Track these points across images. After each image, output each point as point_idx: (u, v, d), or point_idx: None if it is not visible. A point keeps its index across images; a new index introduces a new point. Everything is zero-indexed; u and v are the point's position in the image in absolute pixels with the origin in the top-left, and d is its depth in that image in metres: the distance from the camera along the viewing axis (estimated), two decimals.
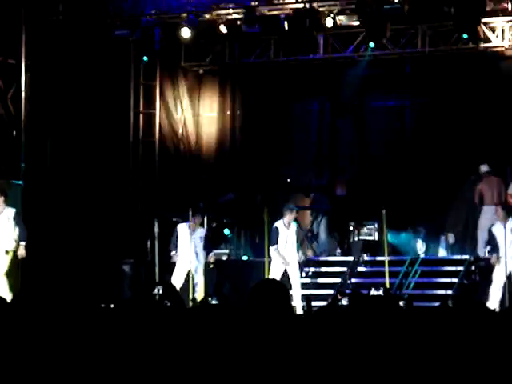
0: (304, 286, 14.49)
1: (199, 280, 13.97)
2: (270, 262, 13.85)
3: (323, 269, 14.92)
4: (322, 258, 15.40)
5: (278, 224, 13.88)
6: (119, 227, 16.07)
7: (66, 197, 15.48)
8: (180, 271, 13.96)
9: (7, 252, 12.64)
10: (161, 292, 8.21)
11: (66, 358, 3.60)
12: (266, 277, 13.60)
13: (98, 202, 15.99)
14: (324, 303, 11.65)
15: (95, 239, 15.38)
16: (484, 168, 15.28)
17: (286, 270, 13.80)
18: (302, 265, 14.95)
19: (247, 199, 16.92)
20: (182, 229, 14.10)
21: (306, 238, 15.87)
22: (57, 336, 3.71)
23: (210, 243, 14.33)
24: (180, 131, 17.65)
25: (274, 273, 13.74)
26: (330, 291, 13.94)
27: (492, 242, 13.32)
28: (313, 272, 14.93)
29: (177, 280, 13.71)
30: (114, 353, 3.60)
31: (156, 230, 14.45)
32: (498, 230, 13.31)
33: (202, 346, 3.61)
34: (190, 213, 13.90)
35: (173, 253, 14.02)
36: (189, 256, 13.82)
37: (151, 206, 16.41)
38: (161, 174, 17.19)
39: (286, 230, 13.86)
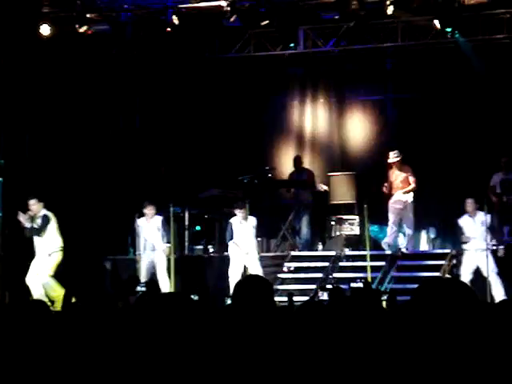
0: (286, 280, 14.49)
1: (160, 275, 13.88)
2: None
3: (305, 263, 14.91)
4: (304, 253, 15.38)
5: (233, 220, 13.96)
6: (103, 222, 16.04)
7: (48, 193, 15.39)
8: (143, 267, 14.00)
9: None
10: (143, 289, 8.20)
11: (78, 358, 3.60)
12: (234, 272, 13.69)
13: (80, 198, 15.96)
14: (306, 298, 11.64)
15: (77, 235, 15.32)
16: None
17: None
18: (284, 260, 14.96)
19: (228, 194, 16.89)
20: (142, 222, 14.16)
21: (287, 233, 15.86)
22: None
23: (166, 233, 14.12)
24: None
25: (234, 268, 13.76)
26: (312, 286, 13.93)
27: (460, 234, 13.53)
28: (294, 267, 14.92)
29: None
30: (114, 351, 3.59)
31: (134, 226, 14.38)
32: (465, 222, 13.49)
33: (185, 343, 3.58)
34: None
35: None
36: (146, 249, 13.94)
37: (135, 202, 16.39)
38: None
39: (241, 225, 13.88)
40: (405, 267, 14.41)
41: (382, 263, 14.36)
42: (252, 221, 14.05)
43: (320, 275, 14.41)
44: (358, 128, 17.41)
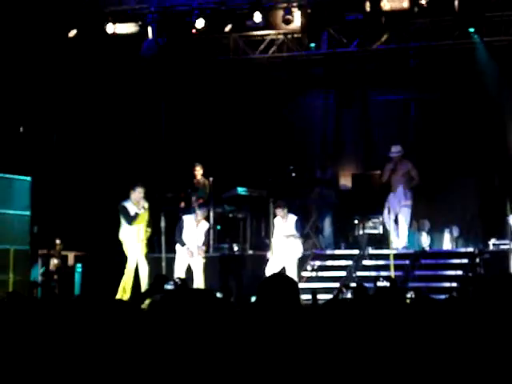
0: (309, 279, 14.57)
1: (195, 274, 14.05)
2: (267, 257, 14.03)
3: (328, 262, 14.98)
4: (327, 252, 15.46)
5: (276, 220, 14.02)
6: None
7: (75, 191, 15.64)
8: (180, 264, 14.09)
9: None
10: (171, 287, 8.30)
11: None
12: (270, 271, 13.69)
13: (104, 196, 16.12)
14: (329, 296, 11.73)
15: (103, 235, 15.51)
16: None
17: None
18: (308, 258, 15.04)
19: (253, 194, 17.03)
20: (188, 221, 14.22)
21: (310, 232, 15.94)
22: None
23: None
24: None
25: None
26: (336, 284, 14.01)
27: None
28: (318, 265, 15.00)
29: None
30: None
31: (163, 224, 14.49)
32: None
33: (206, 343, 3.65)
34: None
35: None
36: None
37: (157, 201, 16.50)
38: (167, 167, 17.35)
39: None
40: (428, 266, 14.44)
41: (406, 262, 14.42)
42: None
43: (343, 274, 14.48)
44: (382, 128, 17.46)
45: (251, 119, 17.71)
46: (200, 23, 15.87)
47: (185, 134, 17.68)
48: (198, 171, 16.23)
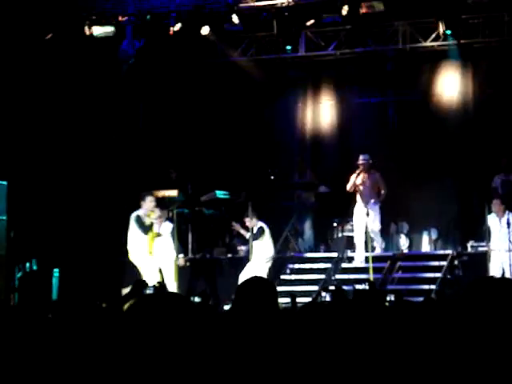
0: (288, 282, 14.57)
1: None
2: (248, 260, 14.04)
3: (307, 265, 14.99)
4: (307, 255, 15.46)
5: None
6: (108, 225, 16.16)
7: (54, 195, 15.56)
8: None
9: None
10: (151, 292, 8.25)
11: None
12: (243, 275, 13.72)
13: (82, 200, 16.07)
14: (308, 299, 11.73)
15: (88, 237, 15.49)
16: None
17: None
18: (287, 261, 15.04)
19: (232, 197, 17.01)
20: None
21: (289, 235, 15.94)
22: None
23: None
24: None
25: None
26: (315, 287, 14.01)
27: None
28: (297, 268, 15.00)
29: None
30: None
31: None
32: (492, 222, 13.50)
33: (187, 345, 3.63)
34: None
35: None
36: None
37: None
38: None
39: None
40: (406, 268, 14.48)
41: (384, 264, 14.45)
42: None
43: (322, 277, 14.49)
44: (360, 130, 17.48)
45: (230, 121, 17.68)
46: (177, 26, 15.85)
47: (163, 136, 17.63)
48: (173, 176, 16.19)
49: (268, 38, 16.95)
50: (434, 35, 15.99)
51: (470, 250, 14.70)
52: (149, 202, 13.58)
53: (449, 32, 15.45)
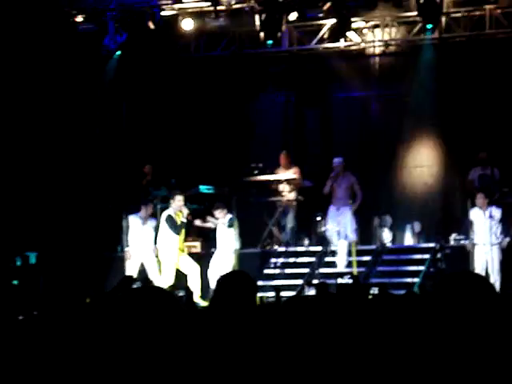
0: (272, 276, 14.61)
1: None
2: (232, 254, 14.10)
3: (291, 259, 15.04)
4: (290, 249, 15.50)
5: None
6: (91, 221, 16.18)
7: (37, 191, 15.55)
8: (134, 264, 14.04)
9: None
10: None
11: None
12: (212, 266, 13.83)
13: (62, 196, 16.07)
14: (293, 293, 11.78)
15: (73, 233, 15.50)
16: None
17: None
18: (271, 255, 15.08)
19: (216, 191, 17.04)
20: (133, 221, 14.18)
21: (273, 229, 15.97)
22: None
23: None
24: None
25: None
26: (299, 281, 14.06)
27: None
28: (281, 262, 15.04)
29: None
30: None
31: (125, 224, 14.45)
32: (475, 216, 13.55)
33: (169, 338, 3.64)
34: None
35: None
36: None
37: (120, 201, 16.52)
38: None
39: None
40: (390, 262, 14.56)
41: (368, 258, 14.52)
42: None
43: (306, 271, 14.54)
44: (343, 124, 17.53)
45: (214, 117, 17.69)
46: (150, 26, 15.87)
47: (147, 132, 17.62)
48: (149, 171, 16.13)
49: (250, 33, 16.97)
50: (415, 30, 16.08)
51: (452, 243, 14.79)
52: (177, 201, 13.64)
53: (429, 26, 15.53)
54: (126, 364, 3.42)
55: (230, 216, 14.36)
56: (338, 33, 16.18)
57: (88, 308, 4.45)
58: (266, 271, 14.80)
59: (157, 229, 14.01)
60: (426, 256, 14.26)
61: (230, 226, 14.21)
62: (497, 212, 13.47)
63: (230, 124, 17.61)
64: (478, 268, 13.05)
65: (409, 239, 16.08)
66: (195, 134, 17.63)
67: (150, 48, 16.80)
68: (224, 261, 13.93)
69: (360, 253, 14.39)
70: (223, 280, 3.89)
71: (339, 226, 14.52)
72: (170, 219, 13.65)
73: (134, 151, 17.48)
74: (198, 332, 3.64)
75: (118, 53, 16.52)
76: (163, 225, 13.74)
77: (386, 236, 15.93)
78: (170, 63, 17.26)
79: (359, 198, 14.65)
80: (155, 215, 14.27)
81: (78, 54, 16.37)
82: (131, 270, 13.88)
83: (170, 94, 17.59)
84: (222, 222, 14.31)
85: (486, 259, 13.29)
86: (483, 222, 13.43)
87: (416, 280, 13.62)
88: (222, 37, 17.04)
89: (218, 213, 14.30)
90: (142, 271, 13.98)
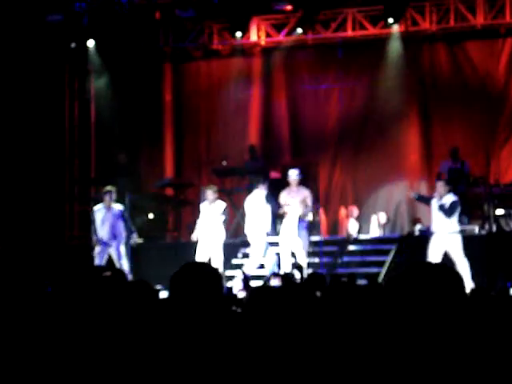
0: (240, 266, 14.71)
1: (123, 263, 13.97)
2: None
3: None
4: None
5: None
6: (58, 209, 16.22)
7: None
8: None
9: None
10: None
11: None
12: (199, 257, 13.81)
13: (32, 190, 16.08)
14: (260, 283, 11.90)
15: (33, 225, 15.47)
16: None
17: None
18: (239, 246, 15.18)
19: (183, 182, 17.16)
20: (98, 211, 14.08)
21: (241, 220, 16.06)
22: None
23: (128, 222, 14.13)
24: None
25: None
26: (266, 271, 14.16)
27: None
28: (249, 253, 15.13)
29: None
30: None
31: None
32: (435, 204, 13.46)
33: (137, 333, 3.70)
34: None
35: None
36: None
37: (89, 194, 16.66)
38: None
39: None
40: (356, 252, 14.73)
41: (335, 248, 14.67)
42: (220, 205, 14.01)
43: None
44: (310, 116, 17.64)
45: (182, 108, 17.78)
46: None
47: (116, 121, 17.60)
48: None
49: (219, 25, 17.06)
50: (382, 22, 16.27)
51: (417, 233, 14.99)
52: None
53: (391, 20, 15.80)
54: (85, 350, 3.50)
55: (223, 204, 14.16)
56: (305, 25, 16.37)
57: (48, 297, 4.50)
58: (234, 261, 14.90)
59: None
60: (391, 247, 14.40)
61: (224, 214, 14.10)
62: (449, 198, 13.11)
63: (200, 115, 17.65)
64: (432, 256, 12.95)
65: (375, 229, 16.26)
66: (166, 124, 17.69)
67: (120, 39, 16.74)
68: (217, 251, 13.88)
69: (327, 243, 14.54)
70: (179, 273, 3.72)
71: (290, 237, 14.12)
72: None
73: (102, 140, 17.51)
74: (161, 322, 3.68)
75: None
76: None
77: (353, 227, 16.11)
78: (139, 54, 17.26)
79: (308, 210, 14.09)
80: None
81: (50, 46, 16.32)
82: (98, 259, 13.87)
83: (138, 83, 17.60)
84: (208, 207, 14.04)
85: (443, 248, 13.09)
86: (437, 210, 13.22)
87: (381, 270, 13.78)
88: (191, 29, 17.11)
89: (209, 194, 14.02)
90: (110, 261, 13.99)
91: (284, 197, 14.12)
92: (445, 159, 15.50)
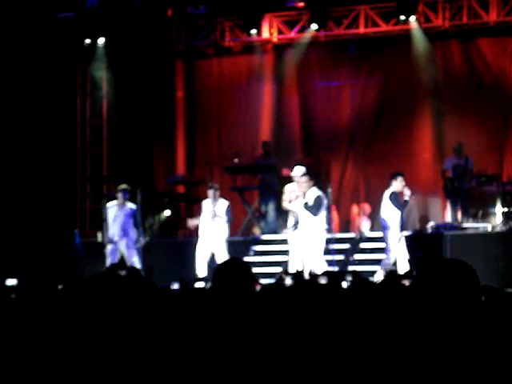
0: (252, 264, 14.66)
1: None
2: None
3: (270, 247, 15.12)
4: (269, 237, 15.57)
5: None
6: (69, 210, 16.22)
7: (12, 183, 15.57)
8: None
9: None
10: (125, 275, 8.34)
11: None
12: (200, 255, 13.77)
13: (44, 188, 16.12)
14: (271, 281, 11.87)
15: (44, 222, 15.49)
16: None
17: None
18: (251, 243, 15.17)
19: (195, 179, 17.15)
20: (110, 208, 14.09)
21: (253, 217, 16.06)
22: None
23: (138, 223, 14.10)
24: None
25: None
26: (278, 269, 14.13)
27: None
28: (260, 250, 15.13)
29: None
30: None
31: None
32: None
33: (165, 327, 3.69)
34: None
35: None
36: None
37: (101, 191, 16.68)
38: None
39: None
40: (368, 250, 14.67)
41: (347, 246, 14.63)
42: (223, 203, 13.98)
43: (286, 258, 14.60)
44: (322, 114, 17.60)
45: (194, 106, 17.77)
46: None
47: (128, 122, 17.61)
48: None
49: (232, 22, 17.04)
50: (394, 19, 16.21)
51: (429, 231, 14.94)
52: (399, 182, 13.52)
53: (403, 18, 15.75)
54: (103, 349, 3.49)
55: (226, 202, 14.09)
56: (317, 22, 16.32)
57: (60, 294, 4.48)
58: (246, 259, 14.88)
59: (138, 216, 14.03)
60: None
61: (228, 212, 14.00)
62: (312, 195, 12.93)
63: (211, 112, 17.63)
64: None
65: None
66: (175, 121, 17.69)
67: (134, 36, 16.72)
68: (223, 249, 13.86)
69: (339, 241, 14.50)
70: (221, 268, 3.97)
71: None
72: (393, 196, 13.51)
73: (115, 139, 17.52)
74: (195, 319, 3.70)
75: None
76: (387, 202, 13.50)
77: (365, 224, 16.07)
78: (153, 52, 17.25)
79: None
80: None
81: (58, 40, 16.34)
82: (112, 257, 13.88)
83: (151, 81, 17.60)
84: (210, 205, 14.01)
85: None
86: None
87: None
88: (203, 26, 17.09)
89: (210, 192, 14.03)
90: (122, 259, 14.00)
91: (290, 192, 13.94)
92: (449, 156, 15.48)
